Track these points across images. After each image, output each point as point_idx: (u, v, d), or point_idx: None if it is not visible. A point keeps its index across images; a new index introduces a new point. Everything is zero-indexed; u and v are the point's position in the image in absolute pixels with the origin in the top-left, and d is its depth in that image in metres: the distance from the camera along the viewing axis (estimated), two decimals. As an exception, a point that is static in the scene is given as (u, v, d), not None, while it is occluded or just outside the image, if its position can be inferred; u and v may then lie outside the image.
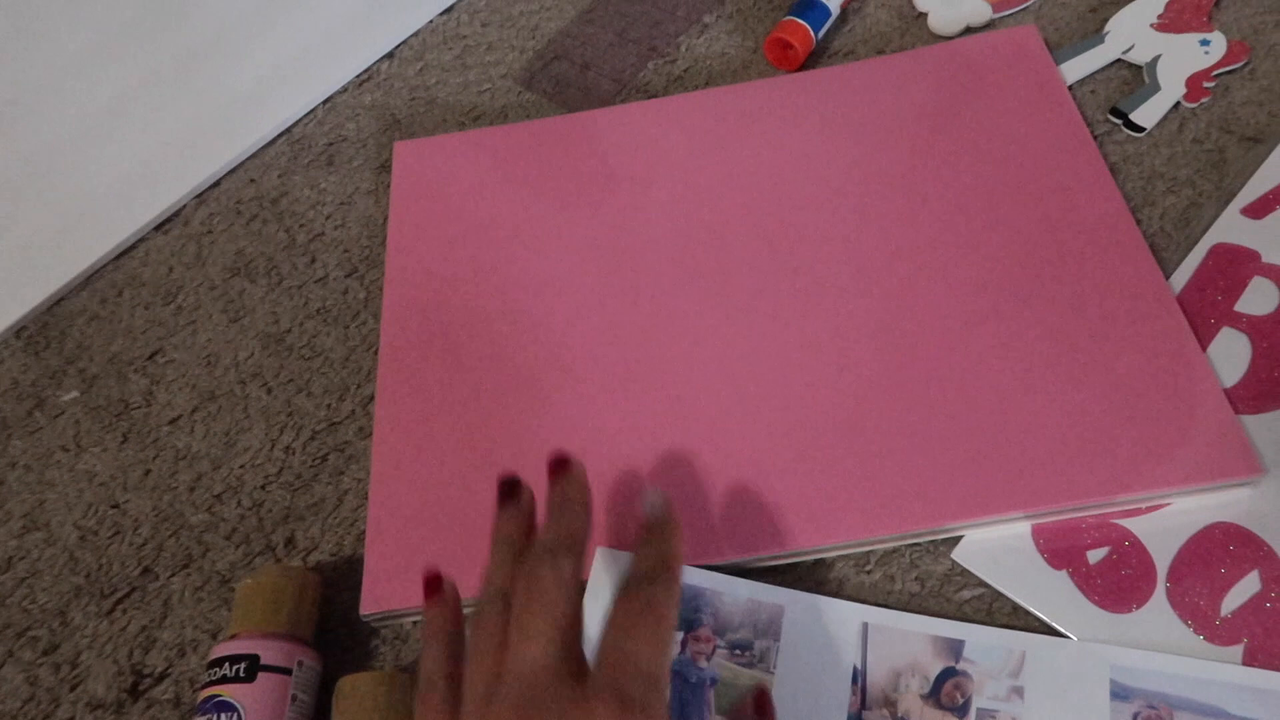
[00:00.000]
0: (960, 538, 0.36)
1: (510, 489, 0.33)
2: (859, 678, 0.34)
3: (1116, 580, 0.34)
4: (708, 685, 0.34)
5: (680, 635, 0.35)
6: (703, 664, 0.34)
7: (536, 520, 0.33)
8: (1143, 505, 0.36)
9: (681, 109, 0.49)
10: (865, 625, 0.35)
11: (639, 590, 0.28)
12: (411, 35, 0.57)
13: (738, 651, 0.35)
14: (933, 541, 0.37)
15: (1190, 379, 0.37)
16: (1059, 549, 0.35)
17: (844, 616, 0.35)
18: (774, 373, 0.40)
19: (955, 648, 0.34)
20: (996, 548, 0.36)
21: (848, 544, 0.36)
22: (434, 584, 0.33)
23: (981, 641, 0.34)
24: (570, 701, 0.26)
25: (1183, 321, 0.39)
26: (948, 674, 0.34)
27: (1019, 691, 0.33)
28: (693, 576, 0.36)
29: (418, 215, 0.48)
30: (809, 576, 0.37)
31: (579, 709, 0.26)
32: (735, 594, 0.36)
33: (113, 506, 0.43)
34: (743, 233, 0.44)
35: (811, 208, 0.44)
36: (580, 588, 0.29)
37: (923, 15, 0.52)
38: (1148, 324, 0.39)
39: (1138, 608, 0.34)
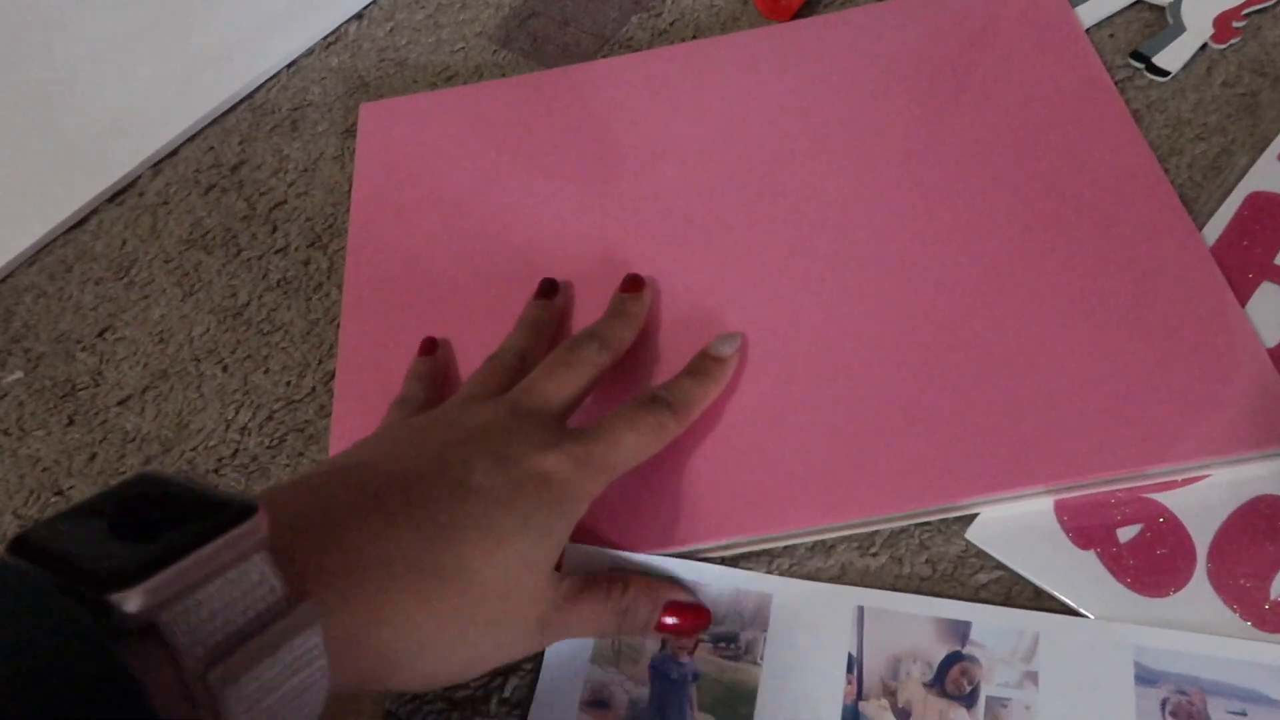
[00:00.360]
0: (975, 516, 0.33)
1: (548, 288, 0.38)
2: (855, 666, 0.30)
3: (1151, 561, 0.31)
4: (689, 682, 0.31)
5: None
6: (684, 659, 0.31)
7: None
8: (1178, 478, 0.32)
9: (668, 62, 0.46)
10: (860, 609, 0.31)
11: (655, 407, 0.31)
12: (382, -6, 0.53)
13: (722, 645, 0.31)
14: (944, 520, 0.33)
15: (1229, 338, 0.33)
16: (1085, 527, 0.32)
17: (837, 600, 0.31)
18: (771, 340, 0.36)
19: (961, 630, 0.30)
20: (1015, 526, 0.32)
21: (851, 524, 0.33)
22: (430, 344, 0.38)
23: (990, 623, 0.30)
24: (550, 431, 0.29)
25: (1219, 276, 0.35)
26: (953, 659, 0.30)
27: (1033, 677, 0.29)
28: (673, 568, 0.32)
29: (384, 181, 0.44)
30: (807, 561, 0.33)
31: (553, 437, 0.29)
32: (719, 585, 0.32)
33: (56, 493, 0.39)
34: (738, 194, 0.41)
35: (812, 166, 0.41)
36: (560, 412, 0.31)
37: (926, -40, 0.48)
38: (1180, 280, 0.35)
39: (1175, 591, 0.30)
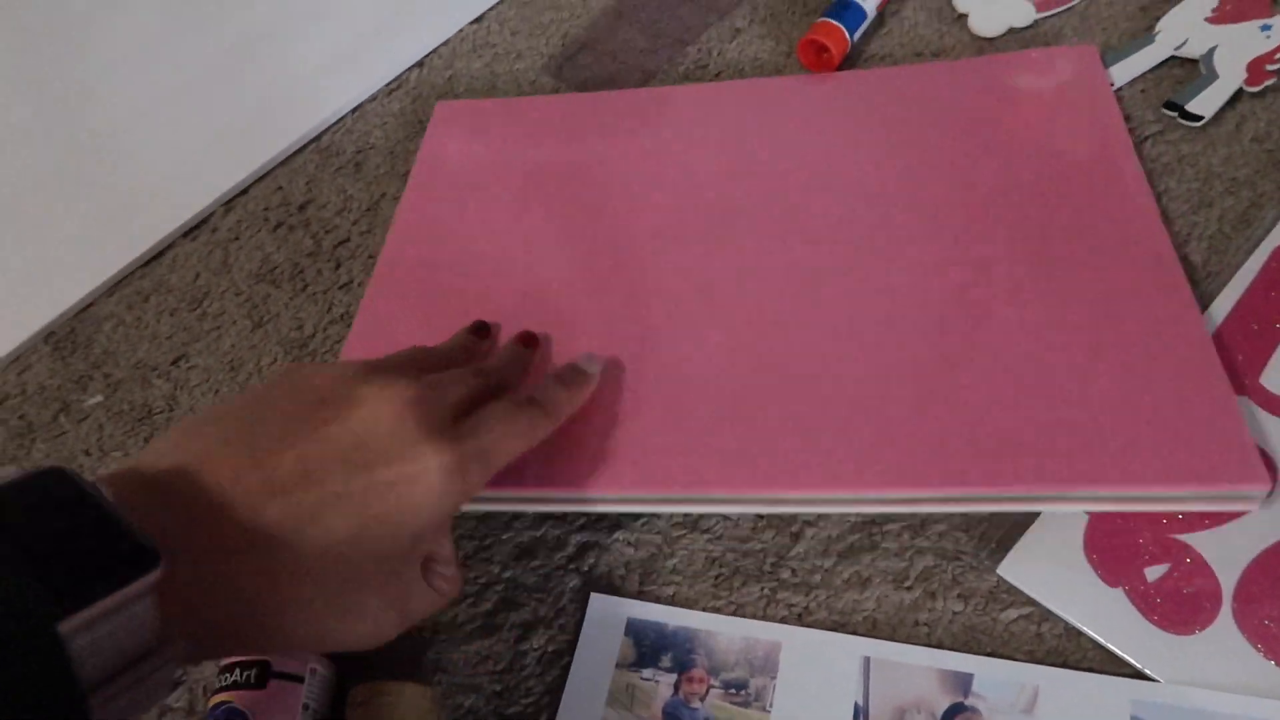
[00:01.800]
0: (1005, 552, 0.35)
1: (479, 328, 0.41)
2: (861, 715, 0.32)
3: (1178, 599, 0.33)
4: None
5: (674, 677, 0.34)
6: (696, 705, 0.33)
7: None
8: (1156, 507, 0.33)
9: (717, 95, 0.50)
10: (867, 660, 0.33)
11: (527, 405, 0.34)
12: (441, 44, 0.57)
13: (733, 691, 0.33)
14: (975, 556, 0.35)
15: (1201, 381, 0.35)
16: (1114, 565, 0.34)
17: (844, 650, 0.33)
18: (783, 358, 0.38)
19: (963, 682, 0.32)
20: (1046, 562, 0.34)
21: (863, 496, 0.35)
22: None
23: (991, 675, 0.32)
24: (435, 428, 0.30)
25: (1200, 321, 0.36)
26: (955, 710, 0.32)
27: (1036, 728, 0.31)
28: (688, 620, 0.35)
29: (439, 173, 0.49)
30: (843, 594, 0.35)
31: (435, 433, 0.30)
32: (730, 633, 0.34)
33: (132, 512, 0.43)
34: (763, 215, 0.44)
35: (837, 197, 0.43)
36: (452, 410, 0.32)
37: (963, 16, 0.51)
38: (1165, 329, 0.36)
39: (1201, 630, 0.32)
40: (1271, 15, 0.46)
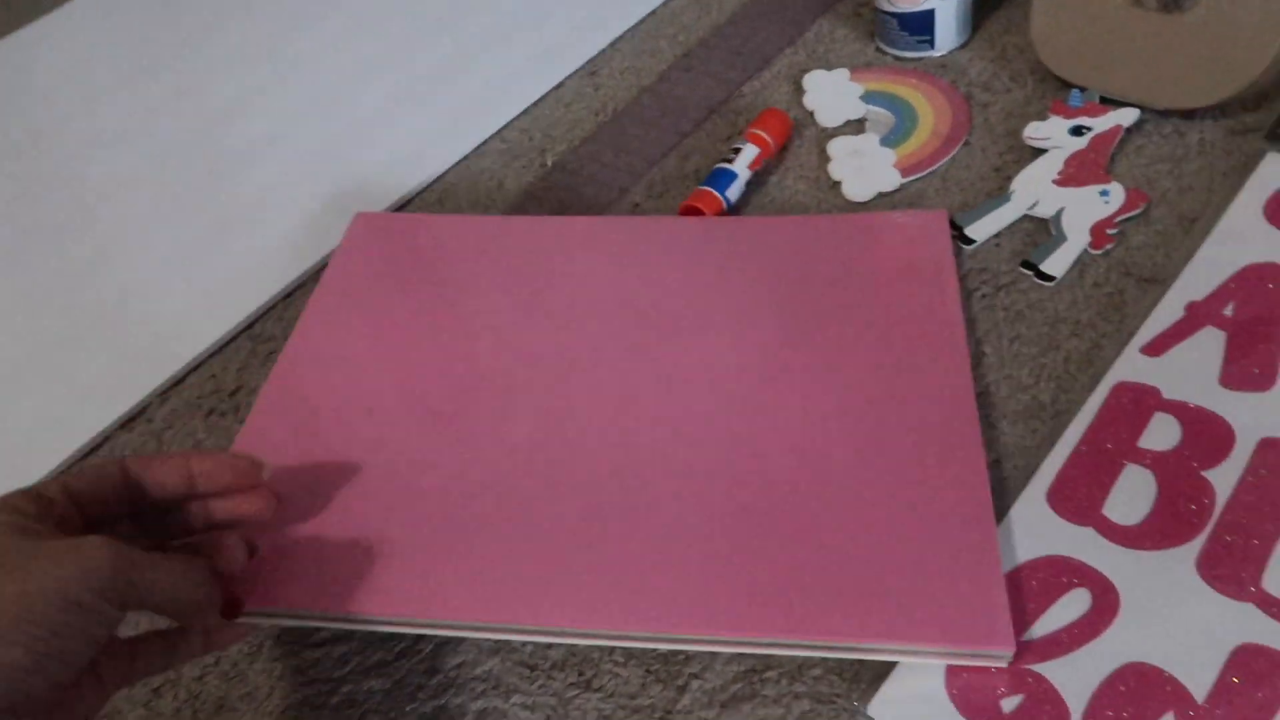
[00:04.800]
0: (875, 693, 0.38)
1: None
2: None
3: (1031, 729, 0.36)
4: None
5: None
6: None
7: None
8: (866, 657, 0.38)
9: (607, 228, 0.58)
10: None
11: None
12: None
13: None
14: (846, 701, 0.39)
15: (974, 544, 0.40)
16: (972, 699, 0.37)
17: None
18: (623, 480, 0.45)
19: None
20: (910, 701, 0.38)
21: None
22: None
23: None
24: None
25: (987, 495, 0.41)
26: None
27: None
28: None
29: (345, 287, 0.57)
30: (727, 742, 0.39)
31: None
32: None
33: (55, 703, 0.46)
34: (616, 352, 0.50)
35: (682, 331, 0.50)
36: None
37: (838, 184, 0.59)
38: (953, 489, 0.42)
39: (1055, 757, 0.35)
40: (1108, 181, 0.54)
